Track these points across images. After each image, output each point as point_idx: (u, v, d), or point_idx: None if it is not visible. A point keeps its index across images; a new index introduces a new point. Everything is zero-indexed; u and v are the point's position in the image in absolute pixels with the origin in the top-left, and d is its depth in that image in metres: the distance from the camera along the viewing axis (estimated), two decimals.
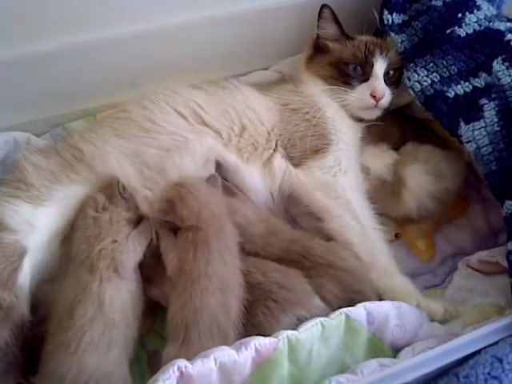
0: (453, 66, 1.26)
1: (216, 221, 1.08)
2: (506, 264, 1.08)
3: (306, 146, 1.28)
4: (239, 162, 1.25)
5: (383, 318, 1.01)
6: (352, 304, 1.02)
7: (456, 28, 1.29)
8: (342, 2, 1.44)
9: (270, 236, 1.14)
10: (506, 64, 1.18)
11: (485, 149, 1.13)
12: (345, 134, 1.32)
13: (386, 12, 1.39)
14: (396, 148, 1.40)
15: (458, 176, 1.35)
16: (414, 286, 1.16)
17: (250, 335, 0.95)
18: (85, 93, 1.45)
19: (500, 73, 1.18)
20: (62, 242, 1.15)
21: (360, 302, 1.02)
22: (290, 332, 0.93)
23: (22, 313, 1.02)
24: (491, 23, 1.30)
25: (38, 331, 1.02)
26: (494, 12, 1.34)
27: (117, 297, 1.01)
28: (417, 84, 1.28)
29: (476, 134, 1.15)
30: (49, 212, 1.14)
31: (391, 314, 1.02)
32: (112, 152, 1.21)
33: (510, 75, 1.16)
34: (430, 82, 1.27)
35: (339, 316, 0.98)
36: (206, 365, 0.87)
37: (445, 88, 1.25)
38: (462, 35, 1.28)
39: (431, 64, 1.28)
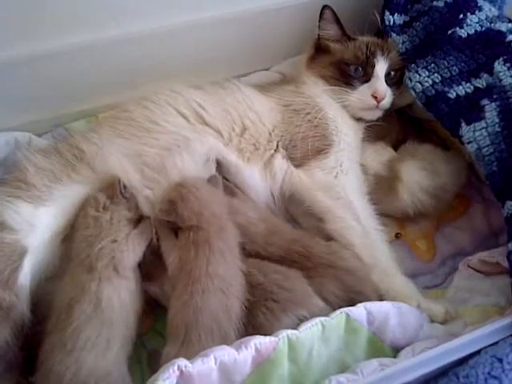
0: (454, 67, 1.26)
1: (217, 220, 1.08)
2: (506, 264, 1.09)
3: (307, 147, 1.28)
4: (240, 161, 1.25)
5: (383, 317, 1.01)
6: (352, 304, 1.01)
7: (457, 29, 1.29)
8: (344, 3, 1.44)
9: (270, 235, 1.14)
10: (508, 65, 1.18)
11: (486, 149, 1.13)
12: (346, 135, 1.32)
13: (387, 13, 1.39)
14: (396, 147, 1.40)
15: (457, 176, 1.35)
16: (415, 286, 1.16)
17: (250, 336, 0.95)
18: (85, 93, 1.45)
19: (501, 73, 1.18)
20: (63, 241, 1.15)
21: (360, 302, 1.02)
22: (290, 331, 0.93)
23: (23, 312, 1.03)
24: (493, 24, 1.29)
25: (38, 330, 1.02)
26: (496, 13, 1.34)
27: (115, 296, 1.01)
28: (418, 85, 1.28)
29: (477, 135, 1.15)
30: (49, 212, 1.14)
31: (391, 314, 1.02)
32: (113, 152, 1.21)
33: (511, 76, 1.16)
34: (431, 82, 1.27)
35: (339, 316, 0.98)
36: (206, 364, 0.87)
37: (446, 89, 1.25)
38: (463, 36, 1.28)
39: (432, 65, 1.28)
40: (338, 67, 1.38)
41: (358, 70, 1.35)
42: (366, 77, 1.35)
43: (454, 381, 0.90)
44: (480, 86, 1.22)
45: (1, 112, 1.37)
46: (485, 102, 1.17)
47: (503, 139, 1.11)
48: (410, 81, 1.29)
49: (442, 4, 1.34)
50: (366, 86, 1.34)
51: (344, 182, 1.26)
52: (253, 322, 1.00)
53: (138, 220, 1.15)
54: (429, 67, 1.28)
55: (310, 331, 0.95)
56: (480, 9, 1.32)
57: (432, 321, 1.09)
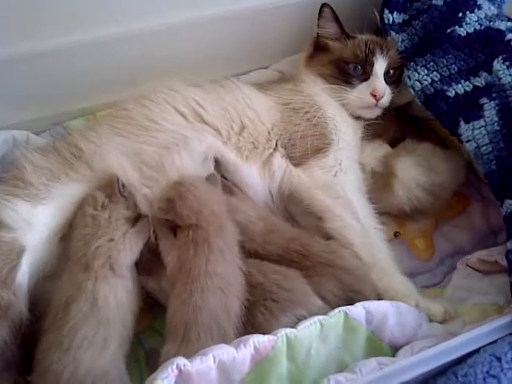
0: (453, 65, 1.26)
1: (216, 219, 1.08)
2: (505, 263, 1.09)
3: (306, 146, 1.28)
4: (238, 160, 1.25)
5: (382, 316, 1.01)
6: (351, 303, 1.01)
7: (456, 27, 1.29)
8: (343, 1, 1.44)
9: (269, 234, 1.14)
10: (507, 63, 1.18)
11: (485, 148, 1.13)
12: (345, 134, 1.32)
13: (386, 11, 1.39)
14: (393, 145, 1.40)
15: (456, 174, 1.35)
16: (414, 286, 1.16)
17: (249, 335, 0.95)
18: (84, 91, 1.44)
19: (500, 72, 1.18)
20: (61, 240, 1.15)
21: (359, 301, 1.02)
22: (288, 330, 0.93)
23: (20, 311, 1.03)
24: (492, 22, 1.29)
25: (37, 329, 1.02)
26: (495, 11, 1.34)
27: (111, 295, 1.01)
28: (417, 83, 1.28)
29: (476, 133, 1.15)
30: (47, 210, 1.14)
31: (390, 313, 1.02)
32: (111, 150, 1.21)
33: (510, 75, 1.16)
34: (430, 81, 1.27)
35: (338, 314, 0.98)
36: (205, 363, 0.86)
37: (445, 87, 1.25)
38: (462, 34, 1.28)
39: (431, 63, 1.28)
40: (337, 65, 1.38)
41: (357, 68, 1.35)
42: (365, 75, 1.35)
43: (453, 380, 0.90)
44: (479, 84, 1.22)
45: None
46: (484, 100, 1.17)
47: (502, 138, 1.11)
48: (409, 79, 1.29)
49: (442, 2, 1.33)
50: (365, 84, 1.34)
51: (343, 180, 1.26)
52: (252, 322, 1.00)
53: (136, 219, 1.15)
54: (428, 66, 1.28)
55: (309, 330, 0.94)
56: (479, 7, 1.32)
57: (430, 320, 1.09)
